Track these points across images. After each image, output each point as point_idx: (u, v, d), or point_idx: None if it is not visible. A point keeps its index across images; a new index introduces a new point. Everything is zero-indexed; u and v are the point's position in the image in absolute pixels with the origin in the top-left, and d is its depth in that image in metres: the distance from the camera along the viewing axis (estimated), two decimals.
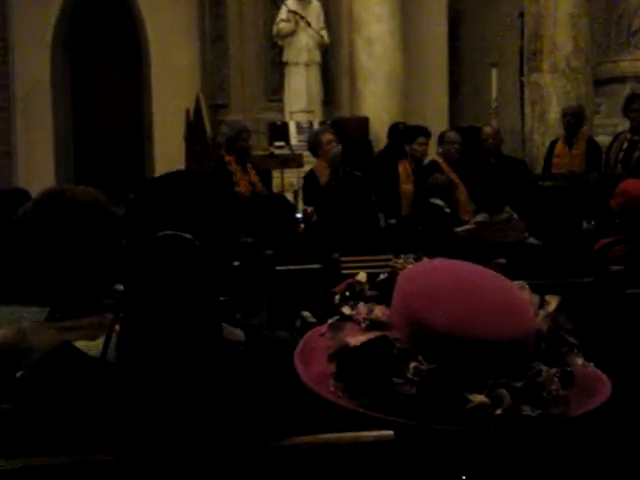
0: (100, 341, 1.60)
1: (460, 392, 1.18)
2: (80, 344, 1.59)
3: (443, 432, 1.19)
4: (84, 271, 1.94)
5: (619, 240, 4.21)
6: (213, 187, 1.78)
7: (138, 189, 1.77)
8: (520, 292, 1.31)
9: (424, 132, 8.23)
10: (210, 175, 7.55)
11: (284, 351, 1.52)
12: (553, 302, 1.31)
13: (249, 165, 7.33)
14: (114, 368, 1.54)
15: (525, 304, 1.29)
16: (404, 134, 8.40)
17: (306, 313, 1.68)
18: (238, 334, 1.69)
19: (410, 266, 1.33)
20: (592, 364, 1.32)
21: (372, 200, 6.98)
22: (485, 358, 1.20)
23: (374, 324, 1.25)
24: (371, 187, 7.47)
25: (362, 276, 1.35)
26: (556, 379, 1.23)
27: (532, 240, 4.91)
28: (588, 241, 4.41)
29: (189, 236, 1.57)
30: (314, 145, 7.83)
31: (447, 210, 6.49)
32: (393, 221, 7.54)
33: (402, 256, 1.33)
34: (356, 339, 1.22)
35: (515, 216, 5.18)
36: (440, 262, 1.34)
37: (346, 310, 1.29)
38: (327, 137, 7.80)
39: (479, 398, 1.18)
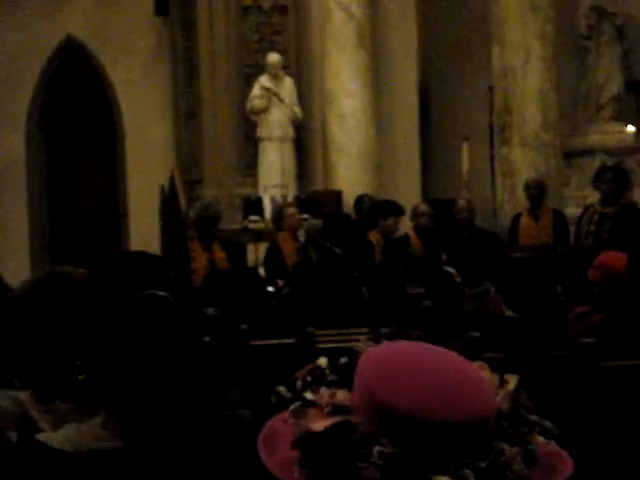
0: (62, 431, 1.59)
1: (424, 474, 1.18)
2: (42, 436, 1.58)
3: None
4: (70, 354, 1.91)
5: (594, 309, 4.22)
6: (171, 264, 1.77)
7: (96, 268, 1.74)
8: (480, 371, 1.32)
9: (398, 211, 8.31)
10: (167, 248, 7.56)
11: (246, 432, 1.53)
12: (512, 381, 1.32)
13: (215, 242, 7.32)
14: (74, 459, 1.52)
15: (485, 383, 1.29)
16: (378, 209, 8.45)
17: (281, 388, 1.66)
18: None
19: (370, 349, 1.33)
20: (554, 442, 1.32)
21: (355, 276, 6.98)
22: (448, 439, 1.20)
23: (337, 409, 1.25)
24: (353, 263, 7.51)
25: (323, 361, 1.35)
26: (519, 458, 1.23)
27: (508, 313, 4.91)
28: (563, 312, 4.43)
29: (163, 293, 1.58)
30: (277, 218, 7.95)
31: (458, 279, 6.37)
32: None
33: (362, 339, 1.33)
34: (319, 424, 1.22)
35: (492, 289, 5.19)
36: (399, 345, 1.34)
37: (308, 395, 1.29)
38: (290, 210, 7.95)
39: (443, 479, 1.18)
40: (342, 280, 5.95)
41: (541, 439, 1.30)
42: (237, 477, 1.57)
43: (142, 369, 1.55)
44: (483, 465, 1.20)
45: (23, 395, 1.98)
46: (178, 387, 1.58)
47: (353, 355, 1.34)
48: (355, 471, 1.19)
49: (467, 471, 1.19)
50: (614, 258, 4.40)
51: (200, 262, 7.10)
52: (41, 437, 1.57)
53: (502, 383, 1.32)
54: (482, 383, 1.29)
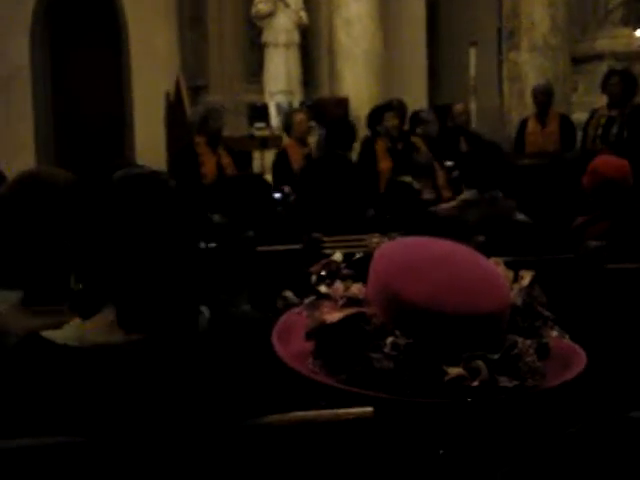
0: (65, 327, 1.61)
1: (437, 365, 1.20)
2: (46, 333, 1.58)
3: (421, 405, 1.21)
4: (57, 256, 1.95)
5: (591, 220, 4.18)
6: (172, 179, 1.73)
7: (95, 182, 1.75)
8: (494, 267, 1.33)
9: (389, 107, 8.24)
10: (174, 156, 7.54)
11: (248, 326, 1.57)
12: (527, 276, 1.33)
13: (221, 147, 7.31)
14: (80, 353, 1.54)
15: (500, 278, 1.31)
16: (372, 116, 8.40)
17: (288, 293, 1.66)
18: (203, 313, 1.69)
19: (386, 244, 1.35)
20: (567, 336, 1.34)
21: (356, 181, 6.97)
22: (461, 331, 1.22)
23: (351, 301, 1.27)
24: (359, 170, 7.48)
25: (338, 256, 1.36)
26: (532, 351, 1.26)
27: (521, 217, 4.90)
28: (570, 217, 4.42)
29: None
30: (286, 125, 7.91)
31: (416, 187, 6.43)
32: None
33: (377, 235, 1.35)
34: (333, 316, 1.24)
35: (500, 194, 5.18)
36: (415, 239, 1.35)
37: (323, 289, 1.31)
38: (299, 117, 7.88)
39: (456, 370, 1.20)
40: (350, 185, 5.94)
41: (555, 333, 1.32)
42: (244, 371, 1.58)
43: (141, 256, 1.56)
44: (496, 357, 1.22)
45: (14, 296, 1.99)
46: (177, 279, 1.58)
47: (368, 250, 1.34)
48: (368, 362, 1.21)
49: (480, 362, 1.21)
50: (606, 163, 4.23)
51: (209, 167, 7.08)
52: (46, 333, 1.58)
53: (517, 278, 1.33)
54: (496, 277, 1.30)
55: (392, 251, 1.32)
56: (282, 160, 7.70)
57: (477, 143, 7.88)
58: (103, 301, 1.60)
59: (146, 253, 1.56)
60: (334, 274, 1.34)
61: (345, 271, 1.34)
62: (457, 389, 1.20)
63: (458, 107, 8.63)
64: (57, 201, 1.95)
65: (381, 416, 1.31)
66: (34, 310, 1.90)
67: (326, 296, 1.30)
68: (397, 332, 1.22)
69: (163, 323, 1.57)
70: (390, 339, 1.21)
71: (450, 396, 1.20)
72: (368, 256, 1.34)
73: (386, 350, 1.21)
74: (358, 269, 1.34)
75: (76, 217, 1.75)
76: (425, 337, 1.22)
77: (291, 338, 1.32)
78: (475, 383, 1.20)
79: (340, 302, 1.28)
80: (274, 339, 1.32)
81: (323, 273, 1.34)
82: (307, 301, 1.33)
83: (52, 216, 1.94)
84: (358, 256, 1.36)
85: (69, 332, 1.59)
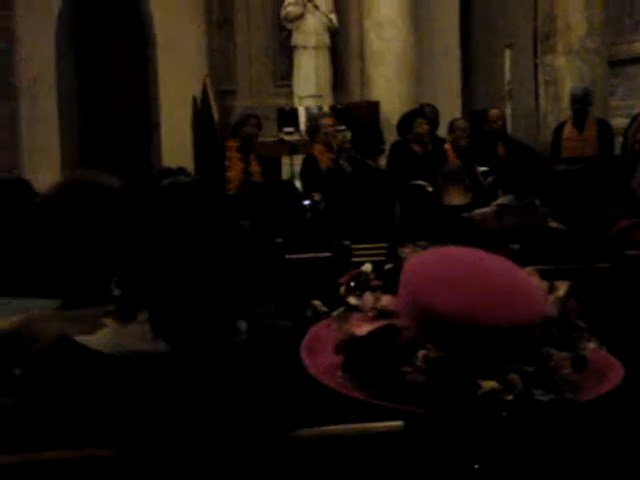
0: (98, 334, 1.60)
1: (471, 379, 1.18)
2: (80, 338, 1.58)
3: (455, 419, 1.19)
4: (99, 260, 1.94)
5: (638, 224, 4.14)
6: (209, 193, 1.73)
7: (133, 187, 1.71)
8: (529, 278, 1.30)
9: (419, 113, 8.22)
10: (206, 158, 7.59)
11: (287, 341, 1.53)
12: (562, 287, 1.31)
13: (253, 155, 7.30)
14: (112, 360, 1.53)
15: (533, 290, 1.28)
16: (402, 123, 8.36)
17: (317, 302, 1.67)
18: (240, 324, 1.67)
19: (416, 255, 1.32)
20: (604, 348, 1.32)
21: (384, 188, 6.92)
22: (494, 344, 1.19)
23: (381, 313, 1.25)
24: (387, 176, 7.46)
25: (367, 267, 1.34)
26: (568, 363, 1.23)
27: (555, 224, 4.84)
28: (609, 225, 4.35)
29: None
30: (312, 130, 7.91)
31: (429, 189, 6.37)
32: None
33: (408, 245, 1.31)
34: (362, 329, 1.22)
35: (537, 201, 5.13)
36: (447, 250, 1.33)
37: (352, 300, 1.29)
38: (325, 121, 7.90)
39: (490, 384, 1.18)
40: (376, 193, 5.90)
41: (591, 345, 1.29)
42: (279, 384, 1.56)
43: (182, 265, 1.56)
44: (531, 369, 1.20)
45: (53, 304, 1.97)
46: (218, 289, 1.58)
47: (398, 261, 1.33)
48: (400, 375, 1.18)
49: (514, 375, 1.18)
50: None
51: (235, 172, 7.10)
52: (79, 339, 1.58)
53: (552, 289, 1.31)
54: (530, 289, 1.27)
55: (423, 263, 1.30)
56: (310, 165, 7.70)
57: (515, 149, 7.83)
58: (140, 308, 1.60)
59: (188, 262, 1.57)
60: (363, 285, 1.32)
61: (375, 282, 1.32)
62: (491, 403, 1.18)
63: (493, 112, 8.60)
64: (105, 207, 1.93)
65: (412, 430, 1.29)
66: (71, 315, 1.88)
67: (355, 308, 1.29)
68: (429, 345, 1.19)
69: (199, 333, 1.57)
70: (422, 352, 1.19)
71: (484, 410, 1.18)
72: (398, 267, 1.32)
73: (418, 363, 1.19)
74: (388, 280, 1.31)
75: (118, 223, 1.73)
76: (458, 350, 1.19)
77: (320, 351, 1.31)
78: (510, 397, 1.18)
79: (370, 314, 1.26)
80: (303, 353, 1.32)
81: (352, 284, 1.32)
82: (336, 313, 1.31)
83: (98, 222, 1.94)
84: (388, 267, 1.34)
85: (103, 338, 1.59)
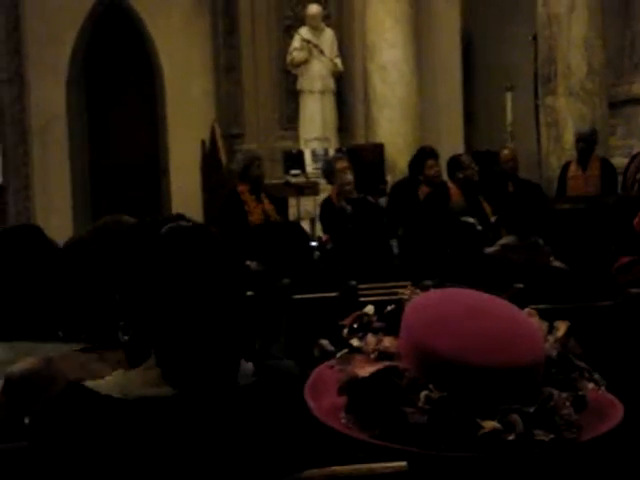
0: (110, 378, 1.60)
1: (472, 419, 1.19)
2: (90, 383, 1.58)
3: (457, 459, 1.19)
4: (112, 310, 1.94)
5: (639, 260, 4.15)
6: (214, 235, 1.73)
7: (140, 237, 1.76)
8: (528, 318, 1.31)
9: (430, 154, 8.21)
10: (221, 206, 7.59)
11: (291, 382, 1.55)
12: (562, 327, 1.32)
13: (263, 194, 7.34)
14: (123, 405, 1.53)
15: (533, 330, 1.29)
16: (413, 163, 8.38)
17: (324, 341, 1.66)
18: (247, 366, 1.68)
19: (417, 296, 1.34)
20: (604, 387, 1.32)
21: (385, 226, 6.95)
22: (495, 384, 1.21)
23: (383, 355, 1.26)
24: (385, 213, 7.45)
25: (370, 308, 1.35)
26: (568, 403, 1.24)
27: (557, 264, 4.86)
28: (610, 262, 4.38)
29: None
30: (328, 172, 7.91)
31: (479, 228, 6.36)
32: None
33: (409, 286, 1.34)
34: (365, 370, 1.23)
35: (541, 241, 5.14)
36: (447, 291, 1.35)
37: (355, 342, 1.30)
38: (340, 164, 7.88)
39: (491, 424, 1.18)
40: (378, 230, 5.92)
41: (591, 385, 1.30)
42: (284, 426, 1.57)
43: (187, 310, 1.55)
44: (531, 410, 1.20)
45: (66, 348, 2.00)
46: (223, 332, 1.57)
47: (399, 303, 1.34)
48: (402, 416, 1.19)
49: (515, 416, 1.19)
50: None
51: (256, 215, 7.12)
52: (89, 384, 1.58)
53: (551, 330, 1.32)
54: (530, 329, 1.29)
55: (423, 304, 1.31)
56: (328, 208, 7.68)
57: (521, 187, 7.84)
58: (148, 353, 1.60)
59: (192, 307, 1.55)
60: (366, 327, 1.33)
61: (377, 324, 1.33)
62: (492, 443, 1.19)
63: (506, 153, 8.60)
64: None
65: (415, 470, 1.29)
66: (91, 357, 1.91)
67: (358, 350, 1.30)
68: (430, 386, 1.21)
69: (206, 377, 1.56)
70: (424, 393, 1.20)
71: (485, 450, 1.19)
72: (400, 308, 1.33)
73: (420, 404, 1.20)
74: (390, 321, 1.33)
75: (124, 268, 1.75)
76: (459, 391, 1.20)
77: (324, 392, 1.31)
78: (511, 437, 1.18)
79: (372, 356, 1.27)
80: (306, 394, 1.32)
81: (355, 326, 1.33)
82: (339, 355, 1.32)
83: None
84: (390, 308, 1.35)
85: (113, 383, 1.58)
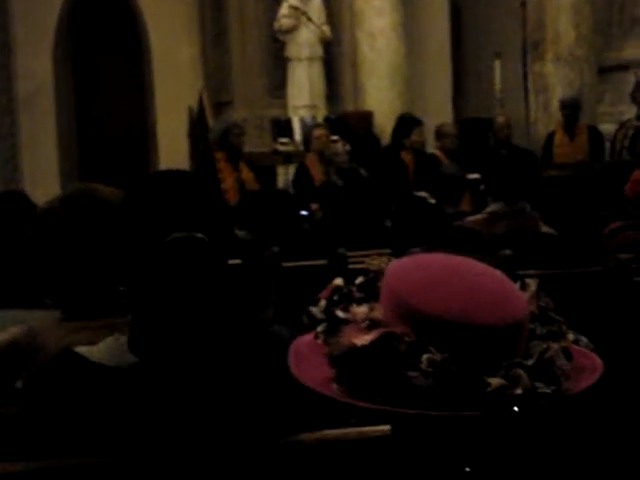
0: (101, 345, 1.60)
1: (478, 377, 1.20)
2: (82, 349, 1.58)
3: (469, 418, 1.20)
4: (99, 272, 1.96)
5: (629, 225, 4.18)
6: (206, 183, 1.78)
7: (133, 188, 1.75)
8: (505, 276, 1.32)
9: (417, 122, 8.24)
10: (194, 170, 7.58)
11: (281, 346, 1.52)
12: (533, 284, 1.33)
13: (242, 162, 7.32)
14: (114, 372, 1.54)
15: (515, 287, 1.31)
16: (399, 128, 8.40)
17: (314, 309, 1.65)
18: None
19: (393, 264, 1.33)
20: (584, 339, 1.34)
21: (381, 198, 6.95)
22: (495, 341, 1.21)
23: (375, 323, 1.25)
24: (378, 185, 7.46)
25: (339, 280, 1.34)
26: (561, 355, 1.26)
27: (546, 229, 4.87)
28: (600, 228, 4.40)
29: (201, 235, 1.58)
30: (307, 140, 7.96)
31: (432, 201, 6.39)
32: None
33: (375, 256, 1.34)
34: (362, 339, 1.22)
35: (528, 207, 5.15)
36: (425, 256, 1.35)
37: (340, 313, 1.29)
38: (318, 132, 7.92)
39: (497, 380, 1.19)
40: (369, 202, 5.93)
41: (571, 337, 1.31)
42: (275, 389, 1.58)
43: (178, 298, 1.56)
44: (531, 363, 1.22)
45: (54, 314, 2.00)
46: (212, 309, 1.58)
47: (371, 272, 1.34)
48: (406, 380, 1.19)
49: (519, 370, 1.20)
50: None
51: (229, 182, 7.11)
52: (80, 350, 1.58)
53: (523, 286, 1.33)
54: (512, 285, 1.31)
55: (405, 270, 1.30)
56: (302, 175, 7.73)
57: (515, 154, 7.84)
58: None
59: (187, 313, 1.56)
60: (347, 297, 1.31)
61: (357, 294, 1.32)
62: (500, 399, 1.20)
63: (500, 120, 8.64)
64: (109, 219, 1.95)
65: (399, 434, 1.31)
66: (73, 326, 1.90)
67: (344, 321, 1.28)
68: (431, 348, 1.20)
69: (194, 344, 1.56)
70: (426, 356, 1.20)
71: (494, 407, 1.20)
72: (375, 277, 1.32)
73: (422, 367, 1.20)
74: (367, 291, 1.32)
75: (122, 233, 1.75)
76: (461, 351, 1.21)
77: (309, 364, 1.30)
78: (518, 391, 1.20)
79: (363, 324, 1.26)
80: (292, 367, 1.31)
81: (335, 297, 1.32)
82: (320, 328, 1.31)
83: (101, 233, 1.95)
84: (363, 279, 1.34)
85: (105, 349, 1.59)
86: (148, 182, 1.76)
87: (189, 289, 1.55)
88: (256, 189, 7.24)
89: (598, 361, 1.32)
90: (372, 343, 1.22)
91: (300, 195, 7.45)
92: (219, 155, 7.28)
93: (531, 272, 3.70)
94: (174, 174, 1.77)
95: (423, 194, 6.46)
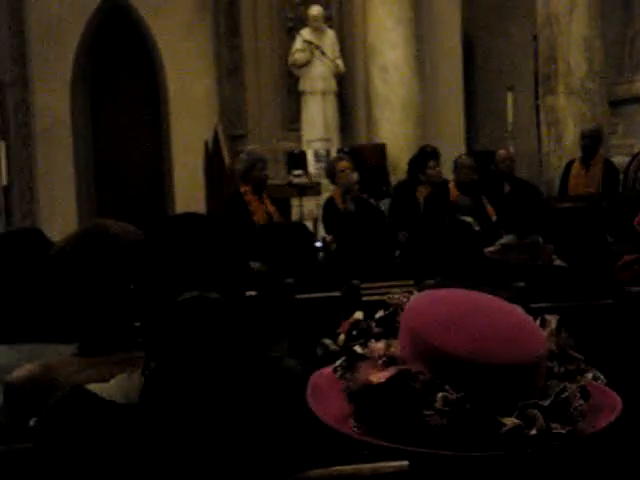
0: (113, 382, 1.62)
1: (492, 417, 1.19)
2: (93, 386, 1.59)
3: (480, 459, 1.20)
4: (115, 308, 1.96)
5: None
6: (224, 227, 1.78)
7: (150, 232, 1.78)
8: (524, 314, 1.32)
9: (432, 155, 8.22)
10: (224, 206, 7.62)
11: (293, 380, 1.55)
12: (553, 321, 1.32)
13: (265, 195, 7.37)
14: (126, 410, 1.54)
15: (533, 324, 1.30)
16: (414, 163, 8.41)
17: (327, 341, 1.66)
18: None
19: (413, 300, 1.32)
20: (602, 377, 1.33)
21: (386, 227, 6.98)
22: (511, 380, 1.21)
23: (391, 360, 1.25)
24: (387, 215, 7.50)
25: (359, 314, 1.34)
26: (579, 395, 1.25)
27: (559, 262, 4.88)
28: (612, 261, 4.40)
29: (215, 295, 1.58)
30: (330, 173, 7.96)
31: (477, 228, 6.37)
32: (403, 235, 7.44)
33: (395, 290, 1.33)
34: (377, 376, 1.22)
35: (540, 240, 5.15)
36: (444, 292, 1.34)
37: (358, 349, 1.29)
38: (341, 165, 7.92)
39: (512, 421, 1.19)
40: (380, 230, 5.95)
41: (590, 375, 1.30)
42: (286, 424, 1.57)
43: (188, 355, 1.56)
44: (547, 404, 1.21)
45: (69, 349, 2.01)
46: (225, 347, 1.59)
47: (391, 306, 1.34)
48: (421, 419, 1.19)
49: (534, 411, 1.20)
50: None
51: (260, 215, 7.14)
52: (92, 387, 1.58)
53: (543, 323, 1.32)
54: (531, 323, 1.30)
55: (424, 306, 1.30)
56: (330, 209, 7.72)
57: (518, 188, 7.85)
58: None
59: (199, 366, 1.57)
60: (366, 333, 1.31)
61: (376, 329, 1.32)
62: (515, 439, 1.19)
63: (502, 153, 8.60)
64: (119, 256, 1.96)
65: (416, 470, 1.30)
66: (90, 361, 1.90)
67: (362, 356, 1.28)
68: (447, 387, 1.20)
69: (196, 382, 1.56)
70: (440, 395, 1.20)
71: (508, 447, 1.19)
72: (395, 312, 1.32)
73: (437, 406, 1.19)
74: (386, 326, 1.32)
75: (139, 273, 1.76)
76: (475, 390, 1.20)
77: (325, 399, 1.30)
78: (532, 432, 1.19)
79: (380, 361, 1.25)
80: (310, 401, 1.31)
81: (354, 333, 1.31)
82: (338, 362, 1.31)
83: (113, 270, 1.96)
84: (381, 314, 1.33)
85: (116, 387, 1.59)
86: (166, 225, 1.76)
87: (200, 348, 1.55)
88: (281, 221, 7.29)
89: (618, 399, 1.31)
90: (388, 381, 1.21)
91: (329, 228, 7.45)
92: (244, 188, 7.31)
93: (543, 305, 3.71)
94: (191, 218, 1.77)
95: (469, 219, 6.41)
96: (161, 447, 1.51)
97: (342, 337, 1.32)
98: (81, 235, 2.06)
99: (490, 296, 1.33)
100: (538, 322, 1.32)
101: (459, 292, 1.33)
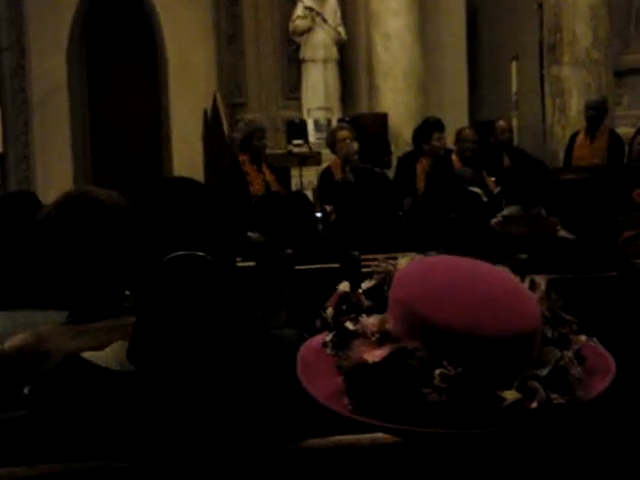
0: (107, 350, 1.61)
1: (492, 392, 1.15)
2: (89, 354, 1.59)
3: (484, 435, 1.16)
4: (103, 274, 1.96)
5: None
6: (218, 193, 1.77)
7: (141, 194, 1.76)
8: (515, 278, 1.26)
9: (438, 126, 8.15)
10: (221, 174, 7.60)
11: (291, 350, 1.49)
12: (542, 283, 1.27)
13: (264, 165, 7.34)
14: (121, 377, 1.54)
15: (526, 290, 1.25)
16: (419, 133, 8.34)
17: (326, 312, 1.61)
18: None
19: (402, 270, 1.26)
20: (594, 339, 1.29)
21: (390, 196, 6.91)
22: (510, 352, 1.17)
23: (385, 336, 1.20)
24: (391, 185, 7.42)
25: (345, 285, 1.29)
26: (575, 362, 1.21)
27: (564, 233, 4.84)
28: (616, 233, 4.36)
29: (201, 254, 1.59)
30: (330, 142, 7.91)
31: (485, 199, 6.32)
32: (407, 202, 7.37)
33: (379, 259, 1.28)
34: (373, 354, 1.17)
35: (543, 211, 5.12)
36: (432, 259, 1.29)
37: (349, 325, 1.24)
38: (342, 134, 7.88)
39: (512, 394, 1.15)
40: (383, 201, 5.90)
41: (583, 337, 1.26)
42: (284, 394, 1.56)
43: (177, 314, 1.57)
44: (545, 373, 1.17)
45: (62, 316, 2.00)
46: (211, 322, 1.58)
47: (378, 277, 1.29)
48: (419, 397, 1.15)
49: (534, 382, 1.16)
50: None
51: (257, 185, 7.13)
52: (87, 355, 1.59)
53: (532, 286, 1.27)
54: (524, 289, 1.25)
55: (413, 275, 1.24)
56: (327, 179, 7.68)
57: (521, 160, 7.81)
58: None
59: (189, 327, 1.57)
60: (356, 307, 1.26)
61: (366, 302, 1.26)
62: (516, 414, 1.15)
63: (501, 124, 8.59)
64: (104, 220, 1.96)
65: (413, 445, 1.27)
66: (80, 330, 1.90)
67: (354, 334, 1.23)
68: (444, 363, 1.15)
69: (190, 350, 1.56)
70: (438, 371, 1.15)
71: (509, 422, 1.15)
72: (381, 283, 1.27)
73: (435, 383, 1.15)
74: (376, 299, 1.27)
75: (129, 237, 1.75)
76: (474, 364, 1.16)
77: (317, 377, 1.26)
78: (533, 405, 1.15)
79: (373, 338, 1.20)
80: (301, 377, 1.27)
81: (343, 307, 1.26)
82: (329, 338, 1.26)
83: (99, 235, 1.96)
84: (370, 285, 1.28)
85: (112, 354, 1.60)
86: (156, 189, 1.76)
87: (188, 307, 1.56)
88: (281, 190, 7.24)
89: (611, 360, 1.28)
90: (383, 360, 1.17)
91: (324, 199, 7.40)
92: (243, 157, 7.29)
93: (547, 276, 3.66)
94: (183, 182, 1.76)
95: (477, 190, 6.36)
96: (156, 413, 1.52)
97: (330, 311, 1.28)
98: (65, 199, 2.05)
99: (481, 262, 1.27)
100: (527, 285, 1.27)
101: (449, 258, 1.28)
